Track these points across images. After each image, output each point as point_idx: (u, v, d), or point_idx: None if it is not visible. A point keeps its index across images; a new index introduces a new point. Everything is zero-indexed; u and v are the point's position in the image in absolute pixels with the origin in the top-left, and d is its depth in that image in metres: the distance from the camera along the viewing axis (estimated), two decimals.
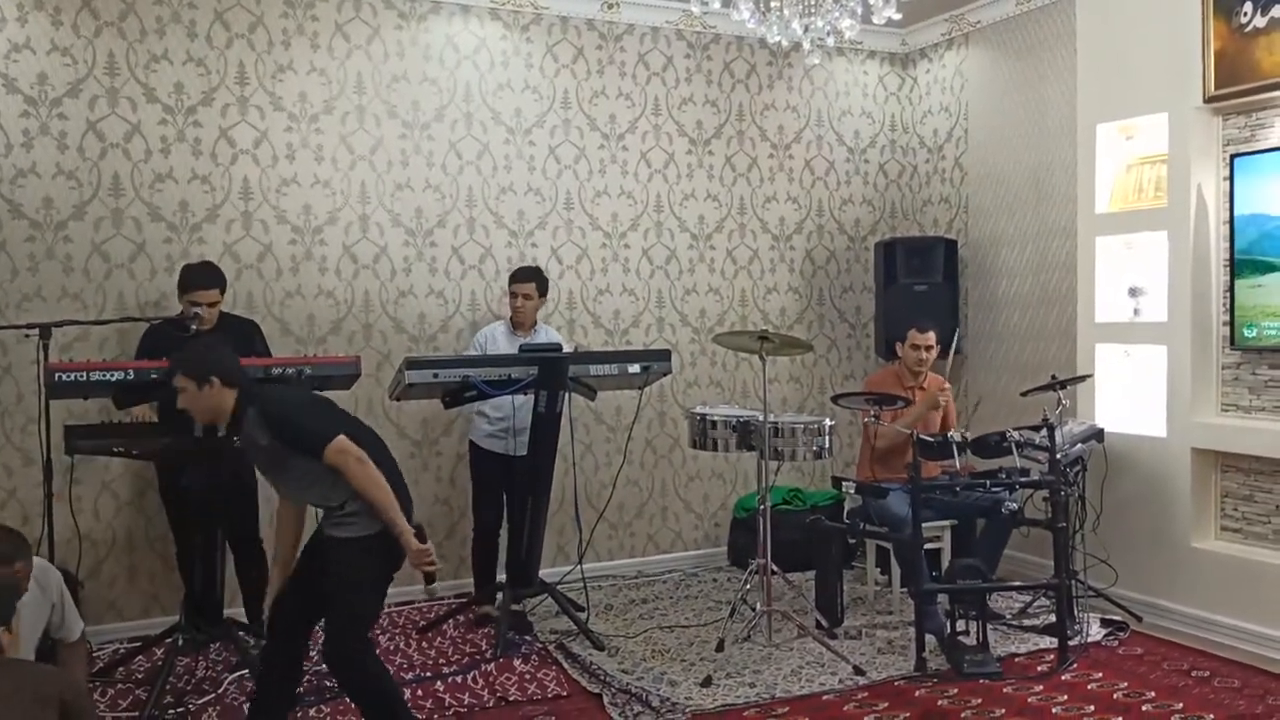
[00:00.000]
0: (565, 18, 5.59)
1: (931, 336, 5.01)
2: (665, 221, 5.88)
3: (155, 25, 4.74)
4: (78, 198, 4.63)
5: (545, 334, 5.03)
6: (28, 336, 4.23)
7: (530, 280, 4.93)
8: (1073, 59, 5.22)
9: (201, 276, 4.34)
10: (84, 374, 3.73)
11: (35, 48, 4.54)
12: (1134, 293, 4.98)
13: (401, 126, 5.23)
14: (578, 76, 5.64)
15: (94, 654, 4.32)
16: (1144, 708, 3.80)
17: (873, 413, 4.63)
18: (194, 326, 4.25)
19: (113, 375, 3.77)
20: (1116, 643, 4.50)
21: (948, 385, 5.17)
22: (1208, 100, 4.55)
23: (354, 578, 3.21)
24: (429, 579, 3.28)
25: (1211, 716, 3.70)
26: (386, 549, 3.22)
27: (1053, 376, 4.77)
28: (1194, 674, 4.13)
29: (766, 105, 6.14)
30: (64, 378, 3.71)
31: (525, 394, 4.55)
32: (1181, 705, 3.81)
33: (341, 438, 3.13)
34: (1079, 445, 4.73)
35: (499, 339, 4.94)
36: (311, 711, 3.81)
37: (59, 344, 4.42)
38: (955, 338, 5.23)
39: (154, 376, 3.81)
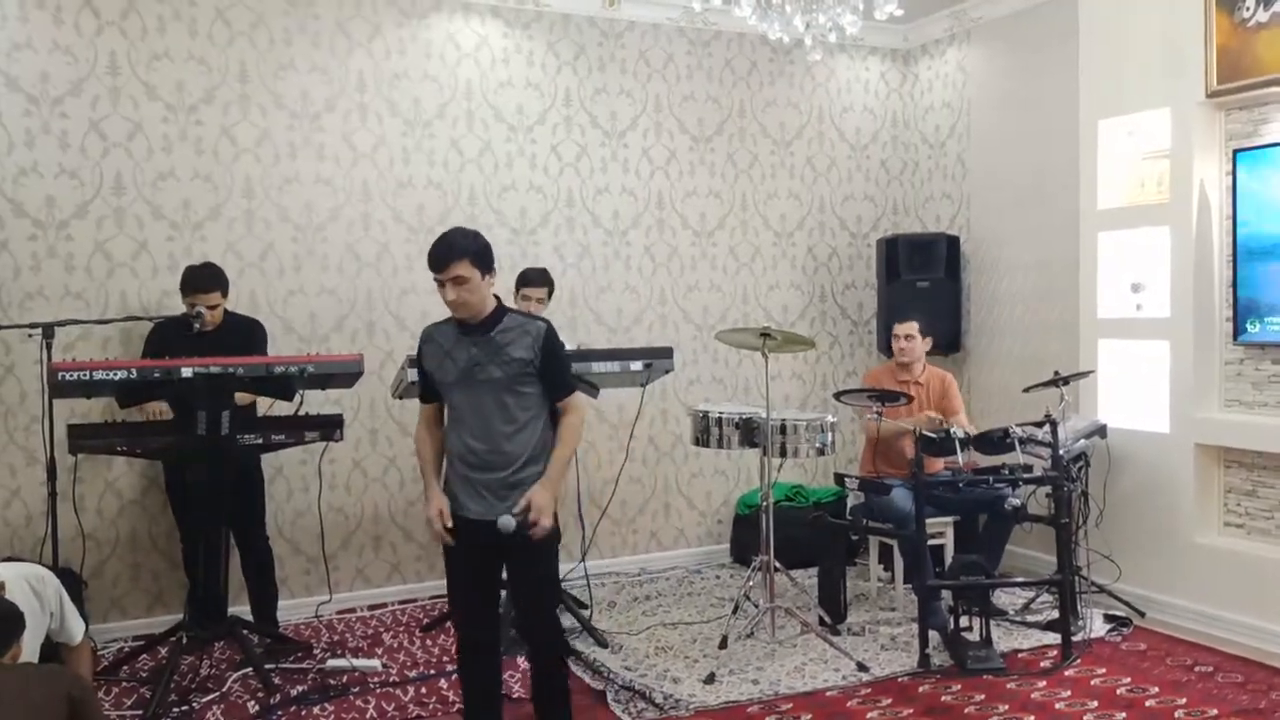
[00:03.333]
0: (566, 15, 5.58)
1: (912, 326, 5.05)
2: (667, 218, 5.88)
3: (156, 23, 4.74)
4: (80, 196, 4.63)
5: None
6: (30, 336, 4.25)
7: (543, 285, 4.84)
8: (1075, 54, 5.21)
9: (202, 279, 4.34)
10: (87, 373, 3.72)
11: (37, 46, 4.54)
12: (1136, 288, 4.98)
13: (403, 124, 5.23)
14: (579, 74, 5.63)
15: (98, 652, 4.34)
16: (1147, 703, 3.80)
17: (875, 409, 4.63)
18: (197, 326, 4.26)
19: (116, 374, 3.76)
20: (1120, 638, 4.51)
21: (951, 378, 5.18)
22: (1210, 95, 4.54)
23: (553, 545, 3.30)
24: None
25: (1215, 711, 3.70)
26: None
27: (1055, 372, 4.77)
28: (1197, 669, 4.13)
29: (768, 102, 6.13)
30: (67, 377, 3.70)
31: None
32: (1185, 700, 3.81)
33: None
34: (1082, 441, 4.73)
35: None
36: (316, 710, 3.81)
37: (62, 343, 4.43)
38: None
39: (156, 375, 3.82)
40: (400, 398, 4.70)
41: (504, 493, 3.12)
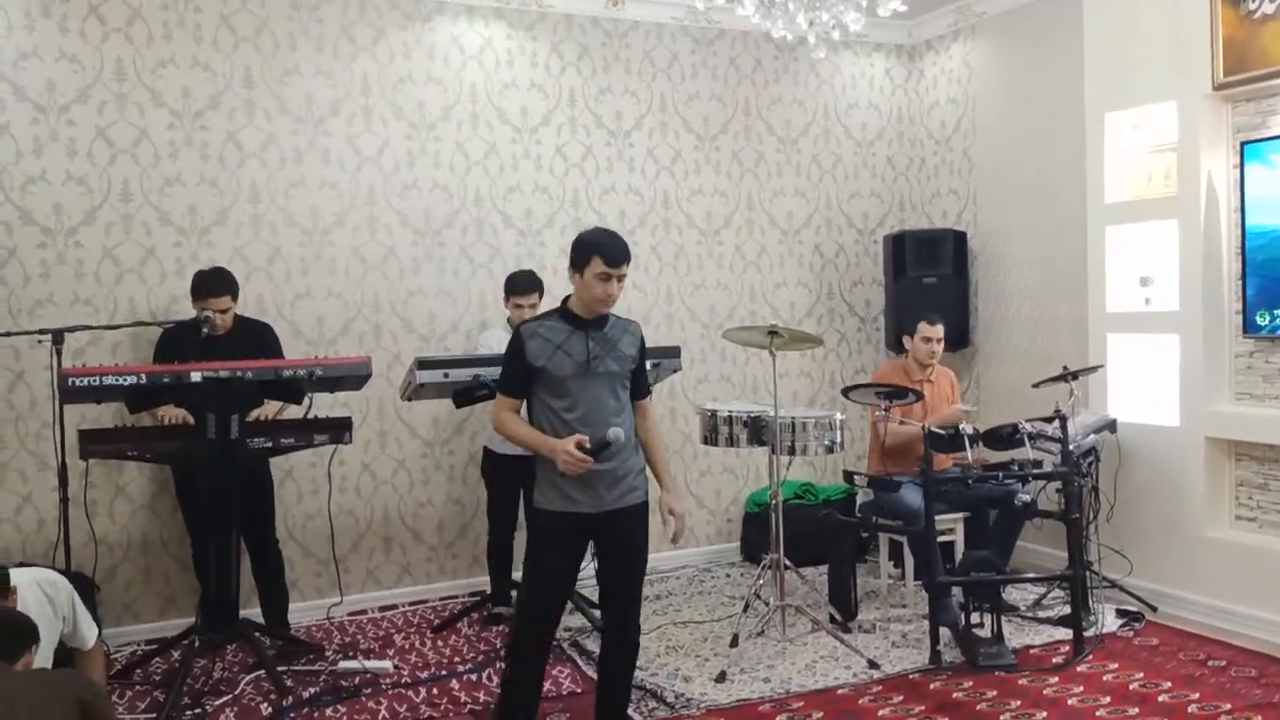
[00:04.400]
0: (570, 15, 5.59)
1: (941, 329, 5.02)
2: (673, 218, 5.87)
3: (162, 30, 4.76)
4: (88, 203, 4.65)
5: None
6: (40, 342, 4.28)
7: (533, 291, 4.85)
8: (1080, 48, 5.19)
9: (213, 284, 4.36)
10: (97, 378, 3.73)
11: (43, 55, 4.56)
12: (1145, 282, 4.96)
13: (408, 127, 5.24)
14: (583, 74, 5.64)
15: (111, 656, 4.35)
16: (1160, 698, 3.79)
17: (883, 406, 4.62)
18: (206, 330, 4.28)
19: (126, 379, 3.78)
20: (1132, 633, 4.50)
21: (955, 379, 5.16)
22: (1217, 88, 4.52)
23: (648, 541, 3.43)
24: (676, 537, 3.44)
25: (1228, 706, 3.69)
26: None
27: (1064, 367, 4.75)
28: (1210, 664, 4.12)
29: (773, 100, 6.13)
30: (77, 383, 3.72)
31: None
32: (1198, 695, 3.80)
33: None
34: (1091, 436, 4.71)
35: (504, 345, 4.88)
36: (329, 711, 3.82)
37: (72, 349, 4.46)
38: None
39: (166, 380, 3.83)
40: (409, 399, 4.72)
41: (614, 482, 3.25)
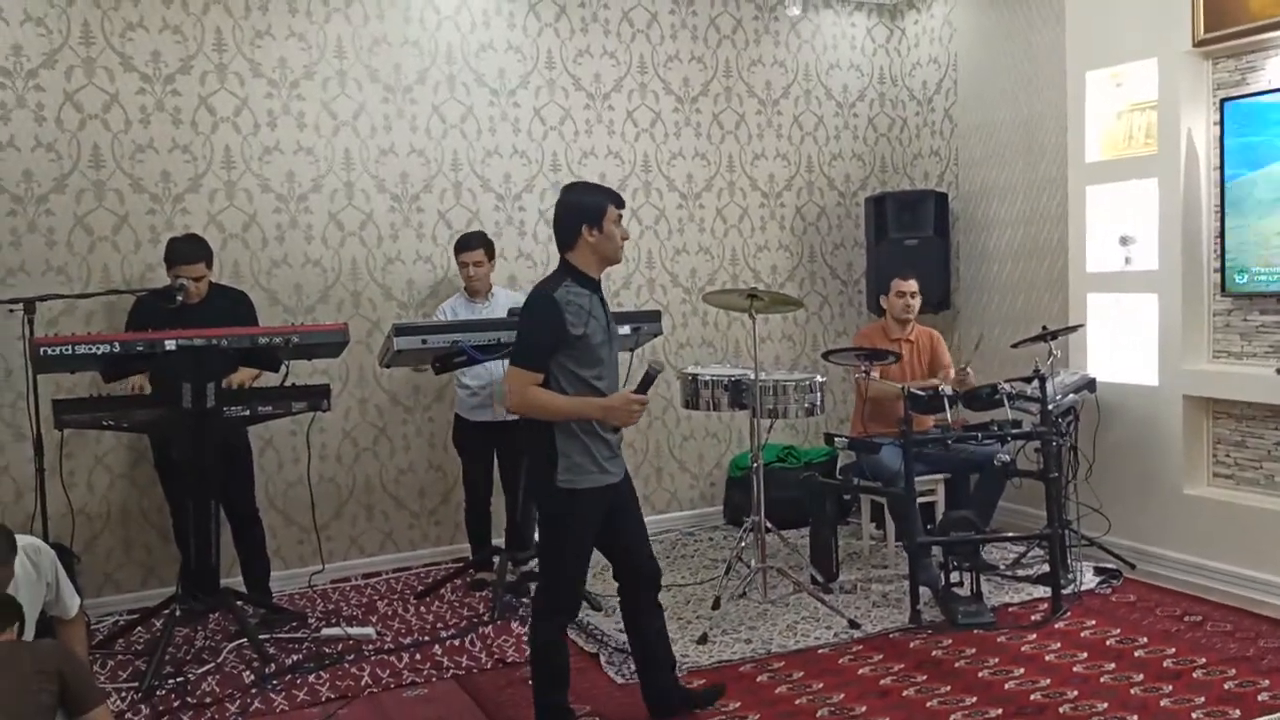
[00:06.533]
0: None
1: (914, 283, 5.06)
2: (653, 181, 5.83)
3: None
4: (58, 170, 4.58)
5: (505, 297, 4.96)
6: (12, 312, 4.22)
7: (479, 247, 4.86)
8: (1062, 6, 5.15)
9: (187, 251, 4.31)
10: (70, 347, 3.70)
11: (8, 19, 4.47)
12: (1125, 241, 4.96)
13: (384, 91, 5.17)
14: (561, 35, 5.56)
15: (93, 626, 4.35)
16: (1136, 654, 3.83)
17: (863, 367, 4.62)
18: (180, 298, 4.23)
19: (99, 348, 3.75)
20: (1110, 590, 4.54)
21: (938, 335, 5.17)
22: (1197, 44, 4.50)
23: None
24: None
25: (1204, 660, 3.73)
26: None
27: (1044, 328, 4.76)
28: (1186, 619, 4.16)
29: (753, 61, 6.07)
30: (49, 351, 3.69)
31: None
32: (1174, 650, 3.84)
33: None
34: (1071, 396, 4.73)
35: (459, 312, 4.89)
36: (311, 678, 3.83)
37: (45, 319, 4.40)
38: None
39: (140, 349, 3.80)
40: (387, 366, 4.69)
41: (619, 445, 3.22)
